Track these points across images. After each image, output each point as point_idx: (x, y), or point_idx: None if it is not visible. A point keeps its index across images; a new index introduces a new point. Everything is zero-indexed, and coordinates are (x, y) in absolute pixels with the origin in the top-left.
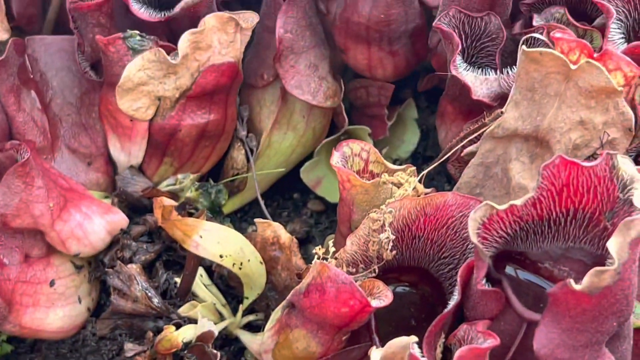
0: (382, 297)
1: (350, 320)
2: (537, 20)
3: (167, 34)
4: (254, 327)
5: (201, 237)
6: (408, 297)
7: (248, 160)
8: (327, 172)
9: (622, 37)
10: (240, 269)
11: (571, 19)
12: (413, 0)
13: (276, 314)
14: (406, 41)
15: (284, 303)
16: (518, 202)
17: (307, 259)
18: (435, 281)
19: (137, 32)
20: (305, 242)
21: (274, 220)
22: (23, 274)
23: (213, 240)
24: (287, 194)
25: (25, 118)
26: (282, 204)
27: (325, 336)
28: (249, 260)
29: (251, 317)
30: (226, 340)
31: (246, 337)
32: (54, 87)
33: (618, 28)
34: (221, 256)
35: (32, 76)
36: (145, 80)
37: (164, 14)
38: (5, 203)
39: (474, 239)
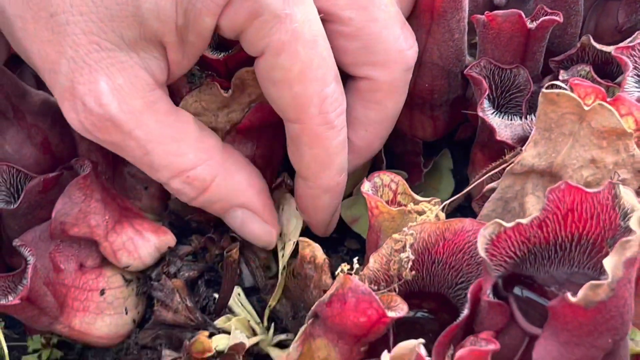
0: (398, 309)
1: (368, 331)
2: (563, 76)
3: (225, 71)
4: (285, 347)
5: None
6: (428, 323)
7: None
8: (365, 211)
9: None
10: None
11: (595, 76)
12: (457, 74)
13: (303, 327)
14: (447, 108)
15: (309, 314)
16: (524, 220)
17: None
18: (453, 308)
19: (197, 66)
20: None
21: None
22: (77, 280)
23: None
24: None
25: (90, 142)
26: (321, 241)
27: (345, 346)
28: None
29: (282, 337)
30: (258, 356)
31: (275, 353)
32: None
33: (635, 82)
34: None
35: None
36: (200, 111)
37: (223, 55)
38: (65, 212)
39: (482, 253)
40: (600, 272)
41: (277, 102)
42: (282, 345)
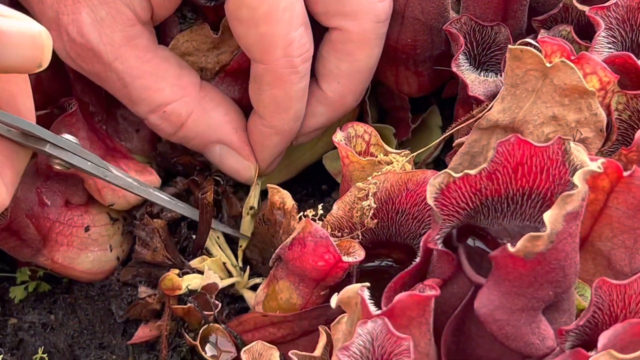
0: (356, 254)
1: (326, 274)
2: (542, 35)
3: (215, 18)
4: None
5: None
6: (395, 272)
7: None
8: None
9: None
10: None
11: (575, 37)
12: (440, 29)
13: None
14: (431, 64)
15: (273, 256)
16: (473, 171)
17: None
18: None
19: (189, 10)
20: None
21: (300, 205)
22: (62, 216)
23: None
24: (317, 184)
25: (84, 84)
26: (310, 192)
27: (306, 289)
28: None
29: (258, 280)
30: (233, 298)
31: (248, 295)
32: None
33: (609, 43)
34: None
35: None
36: (190, 50)
37: (213, 2)
38: None
39: (430, 201)
40: None
41: (244, 41)
42: (256, 288)
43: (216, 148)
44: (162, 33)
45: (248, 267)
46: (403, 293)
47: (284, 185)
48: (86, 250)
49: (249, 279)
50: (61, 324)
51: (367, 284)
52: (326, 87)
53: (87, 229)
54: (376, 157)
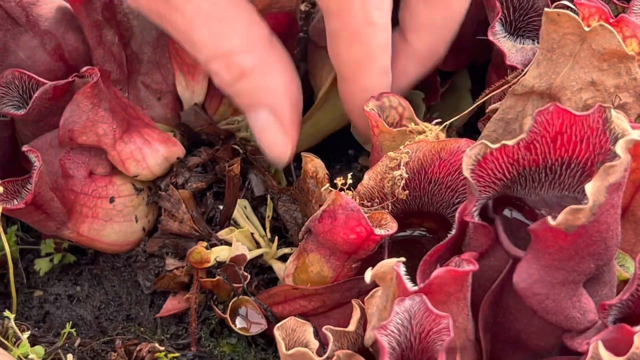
0: (388, 227)
1: (358, 247)
2: None
3: None
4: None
5: None
6: (428, 242)
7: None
8: None
9: None
10: None
11: None
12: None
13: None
14: (468, 43)
15: (303, 229)
16: (510, 142)
17: None
18: (451, 227)
19: None
20: None
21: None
22: (86, 187)
23: None
24: (343, 149)
25: (105, 51)
26: (336, 157)
27: (337, 262)
28: None
29: (286, 250)
30: (262, 269)
31: (277, 266)
32: (134, 27)
33: None
34: None
35: (114, 15)
36: None
37: None
38: (73, 120)
39: (466, 173)
40: None
41: None
42: (285, 258)
43: (263, 113)
44: None
45: (276, 237)
46: (440, 269)
47: (311, 151)
48: (111, 221)
49: (277, 249)
50: (87, 296)
51: (403, 259)
52: (416, 41)
53: (111, 200)
54: (406, 126)
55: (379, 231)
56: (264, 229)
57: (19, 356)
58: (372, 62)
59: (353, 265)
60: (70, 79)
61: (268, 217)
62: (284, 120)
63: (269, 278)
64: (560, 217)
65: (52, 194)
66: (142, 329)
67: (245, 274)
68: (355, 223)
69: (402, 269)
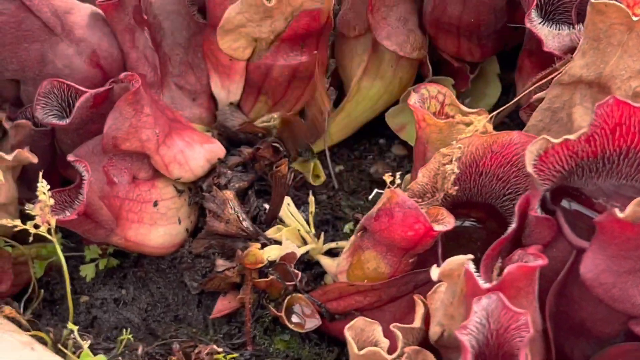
0: (445, 222)
1: (416, 244)
2: None
3: None
4: (335, 255)
5: None
6: (476, 232)
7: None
8: (411, 118)
9: None
10: None
11: None
12: (502, 6)
13: (352, 239)
14: (495, 36)
15: (357, 227)
16: (572, 136)
17: None
18: (500, 217)
19: None
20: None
21: (359, 161)
22: (130, 192)
23: None
24: (374, 139)
25: (138, 55)
26: (368, 147)
27: (394, 258)
28: None
29: (332, 245)
30: (308, 264)
31: (326, 261)
32: (165, 28)
33: None
34: None
35: (145, 17)
36: (243, 22)
37: None
38: (117, 127)
39: (529, 169)
40: None
41: None
42: (331, 253)
43: None
44: (214, 10)
45: (323, 233)
46: (512, 265)
47: (343, 142)
48: (156, 225)
49: (323, 244)
50: (133, 299)
51: (471, 255)
52: None
53: (155, 204)
54: (453, 117)
55: (437, 227)
56: (308, 224)
57: None
58: None
59: (410, 260)
60: (109, 86)
61: (311, 213)
62: None
63: (316, 273)
64: (629, 209)
65: (101, 202)
66: (193, 329)
67: (297, 271)
68: (413, 220)
69: (472, 266)
